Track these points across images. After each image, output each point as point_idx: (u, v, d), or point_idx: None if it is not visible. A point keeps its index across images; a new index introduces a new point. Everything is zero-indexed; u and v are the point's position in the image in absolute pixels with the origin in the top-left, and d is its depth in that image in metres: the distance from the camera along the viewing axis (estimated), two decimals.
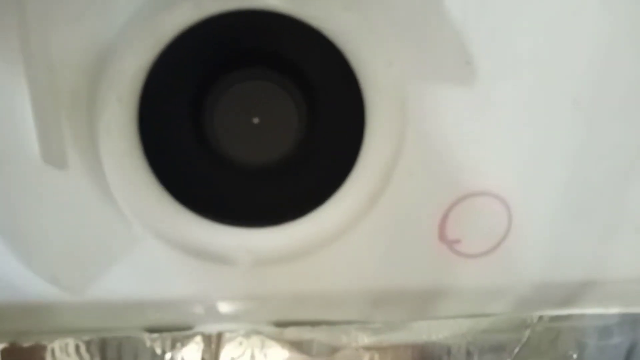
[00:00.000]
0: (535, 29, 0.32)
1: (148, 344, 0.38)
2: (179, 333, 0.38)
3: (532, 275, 0.39)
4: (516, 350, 0.44)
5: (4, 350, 0.37)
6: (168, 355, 0.39)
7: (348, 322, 0.41)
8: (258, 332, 0.39)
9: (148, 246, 0.34)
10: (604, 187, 0.37)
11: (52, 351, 0.38)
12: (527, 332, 0.43)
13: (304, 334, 0.40)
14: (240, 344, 0.39)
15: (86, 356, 0.37)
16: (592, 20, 0.32)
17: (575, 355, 0.45)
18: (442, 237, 0.37)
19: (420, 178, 0.35)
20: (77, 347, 0.38)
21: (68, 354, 0.38)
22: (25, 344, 0.37)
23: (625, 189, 0.38)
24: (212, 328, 0.39)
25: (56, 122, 0.29)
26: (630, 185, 0.38)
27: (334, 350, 0.41)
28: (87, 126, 0.30)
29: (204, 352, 0.38)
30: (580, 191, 0.37)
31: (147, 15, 0.28)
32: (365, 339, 0.40)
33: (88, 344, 0.37)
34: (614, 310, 0.44)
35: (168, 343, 0.38)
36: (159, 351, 0.38)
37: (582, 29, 0.32)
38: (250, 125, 0.34)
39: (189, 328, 0.39)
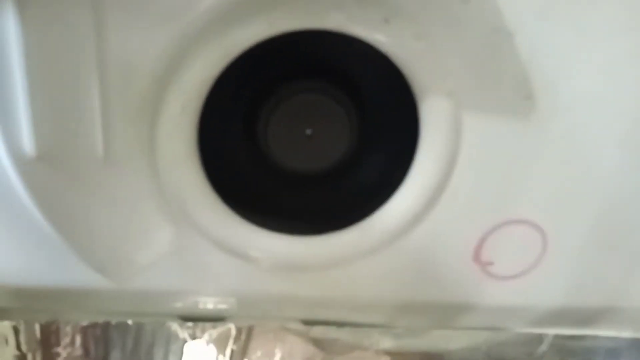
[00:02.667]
0: (597, 70, 0.32)
1: (181, 332, 0.39)
2: (212, 323, 0.39)
3: (556, 299, 0.40)
4: None
5: (44, 325, 0.39)
6: (200, 342, 0.40)
7: (372, 326, 0.42)
8: (286, 329, 0.40)
9: (193, 243, 0.35)
10: (637, 222, 0.38)
11: (85, 330, 0.39)
12: (541, 348, 0.45)
13: (329, 333, 0.41)
14: (268, 338, 0.40)
15: (119, 340, 0.39)
16: None
17: None
18: (476, 258, 0.38)
19: (465, 202, 0.35)
20: (110, 328, 0.39)
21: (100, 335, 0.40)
22: (64, 322, 0.38)
23: None
24: (244, 322, 0.40)
25: (121, 124, 0.30)
26: None
27: (353, 349, 0.43)
28: (149, 130, 0.30)
29: (234, 342, 0.40)
30: (614, 224, 0.38)
31: (218, 29, 0.28)
32: (386, 343, 0.42)
33: (124, 327, 0.38)
34: (626, 334, 0.45)
35: (200, 332, 0.39)
36: (190, 339, 0.40)
37: None
38: (303, 136, 0.35)
39: (222, 320, 0.40)
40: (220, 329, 0.38)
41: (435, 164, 0.34)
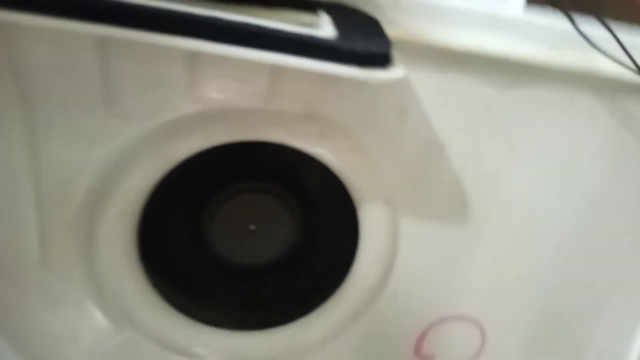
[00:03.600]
0: (527, 178, 0.34)
1: None
2: None
3: None
4: None
5: None
6: None
7: None
8: None
9: (133, 341, 0.34)
10: (574, 320, 0.39)
11: None
12: None
13: None
14: None
15: None
16: (580, 174, 0.34)
17: None
18: (417, 352, 0.38)
19: (404, 299, 0.36)
20: None
21: None
22: None
23: (593, 321, 0.40)
24: None
25: (59, 231, 0.30)
26: (597, 318, 0.40)
27: None
28: (88, 235, 0.30)
29: None
30: (551, 320, 0.39)
31: (157, 142, 0.29)
32: None
33: None
34: None
35: None
36: None
37: (570, 182, 0.34)
38: (247, 231, 0.35)
39: None
40: None
41: (374, 265, 0.35)
